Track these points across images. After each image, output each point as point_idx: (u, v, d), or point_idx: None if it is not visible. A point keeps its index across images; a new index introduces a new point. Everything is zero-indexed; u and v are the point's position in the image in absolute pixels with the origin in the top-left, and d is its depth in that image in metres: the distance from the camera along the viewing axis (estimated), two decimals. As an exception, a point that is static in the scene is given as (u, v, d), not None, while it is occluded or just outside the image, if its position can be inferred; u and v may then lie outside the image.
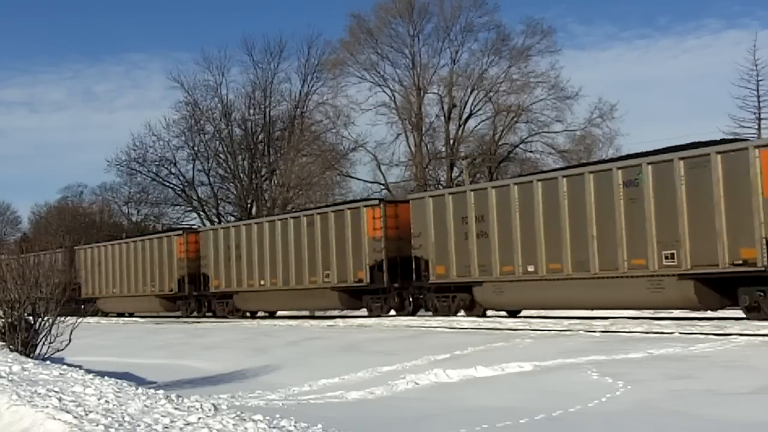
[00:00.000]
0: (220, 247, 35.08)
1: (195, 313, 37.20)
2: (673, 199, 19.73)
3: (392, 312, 27.68)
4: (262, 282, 32.57)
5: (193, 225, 56.22)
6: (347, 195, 50.69)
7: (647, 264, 20.33)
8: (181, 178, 59.35)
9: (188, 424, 7.85)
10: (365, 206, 28.45)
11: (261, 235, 32.68)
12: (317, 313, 33.71)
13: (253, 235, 33.14)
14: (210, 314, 36.39)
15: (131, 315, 42.76)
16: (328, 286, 29.34)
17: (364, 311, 29.14)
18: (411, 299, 27.52)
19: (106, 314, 42.73)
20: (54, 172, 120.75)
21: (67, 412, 8.34)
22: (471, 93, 47.89)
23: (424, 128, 48.34)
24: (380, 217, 27.55)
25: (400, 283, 27.29)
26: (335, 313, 32.66)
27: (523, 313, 27.75)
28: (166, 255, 38.22)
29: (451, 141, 48.20)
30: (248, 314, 34.68)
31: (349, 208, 29.22)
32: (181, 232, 39.28)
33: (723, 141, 21.75)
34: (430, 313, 26.36)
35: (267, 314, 34.93)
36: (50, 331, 16.81)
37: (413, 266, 26.53)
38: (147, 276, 39.66)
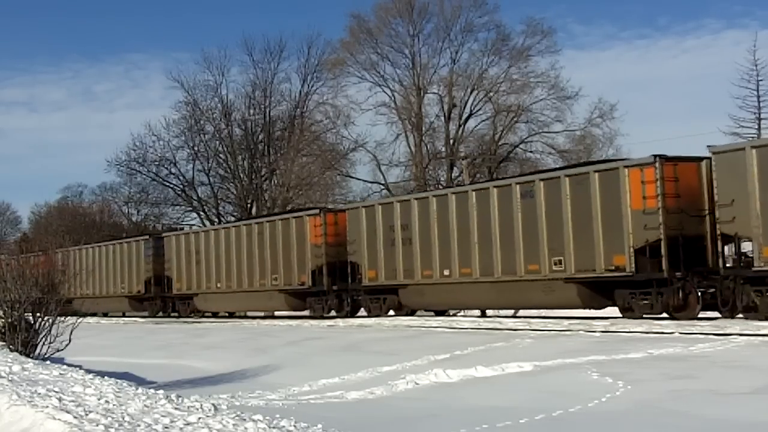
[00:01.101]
0: (378, 228, 27.75)
1: (334, 313, 30.14)
2: None
3: (663, 314, 20.43)
4: (446, 272, 25.52)
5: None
6: (347, 195, 50.69)
7: None
8: (181, 178, 59.26)
9: (188, 424, 7.86)
10: (627, 166, 21.04)
11: (444, 211, 25.50)
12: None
13: (431, 211, 25.89)
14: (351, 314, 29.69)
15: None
16: (559, 277, 22.33)
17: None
18: (699, 294, 20.09)
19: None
20: (54, 172, 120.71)
21: (67, 412, 8.35)
22: (471, 93, 47.86)
23: (424, 128, 48.30)
24: (653, 181, 19.99)
25: (684, 273, 19.86)
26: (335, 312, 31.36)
27: (521, 312, 27.16)
28: (294, 241, 30.83)
29: (451, 141, 48.16)
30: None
31: (596, 170, 21.75)
32: (317, 211, 31.56)
33: None
34: (717, 314, 19.63)
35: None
36: (50, 331, 16.82)
37: (717, 247, 19.44)
38: (266, 267, 32.21)
